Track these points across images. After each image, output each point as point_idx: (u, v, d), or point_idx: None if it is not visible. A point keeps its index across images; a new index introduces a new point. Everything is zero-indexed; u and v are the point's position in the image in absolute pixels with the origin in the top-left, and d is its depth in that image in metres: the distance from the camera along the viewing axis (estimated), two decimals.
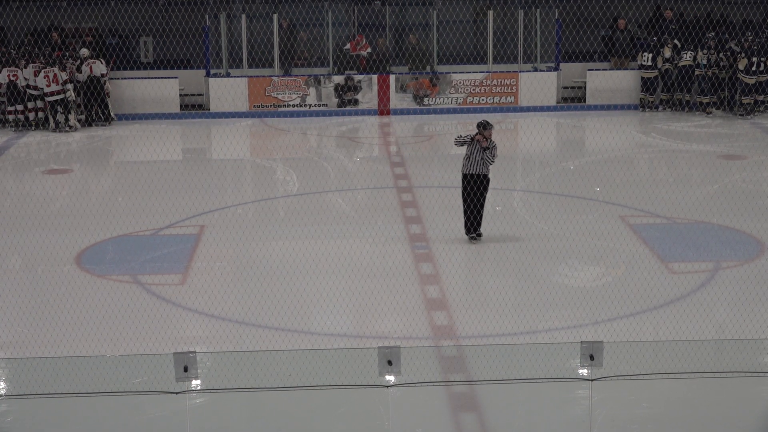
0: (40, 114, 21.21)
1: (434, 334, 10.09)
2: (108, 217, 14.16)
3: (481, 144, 12.41)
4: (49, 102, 20.82)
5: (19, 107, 21.15)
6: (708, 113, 22.03)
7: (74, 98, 21.10)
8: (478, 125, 12.54)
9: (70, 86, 20.86)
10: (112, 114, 21.89)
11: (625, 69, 23.36)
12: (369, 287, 11.36)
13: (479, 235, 12.75)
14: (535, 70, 23.63)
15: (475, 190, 12.52)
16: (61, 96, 20.79)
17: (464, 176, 12.62)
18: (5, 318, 10.52)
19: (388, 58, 23.51)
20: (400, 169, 17.45)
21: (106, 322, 10.41)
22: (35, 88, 20.90)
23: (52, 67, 20.77)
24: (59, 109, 20.93)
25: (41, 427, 7.78)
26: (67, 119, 21.05)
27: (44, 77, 20.59)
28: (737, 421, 7.93)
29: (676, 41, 22.35)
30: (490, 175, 12.66)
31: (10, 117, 21.25)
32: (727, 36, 22.34)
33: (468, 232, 12.76)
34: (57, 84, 20.65)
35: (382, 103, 22.86)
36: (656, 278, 11.47)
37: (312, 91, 22.79)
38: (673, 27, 22.82)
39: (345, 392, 7.61)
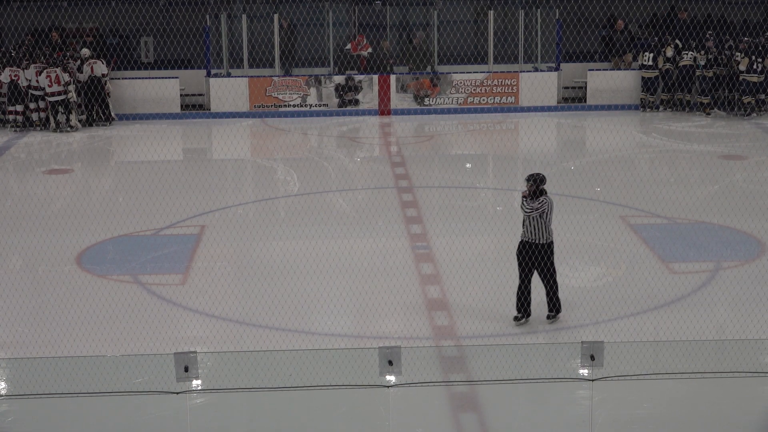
0: (41, 114, 21.22)
1: (435, 334, 10.09)
2: (108, 217, 14.16)
3: (523, 195, 10.13)
4: (50, 102, 20.81)
5: (20, 107, 21.15)
6: (707, 114, 22.01)
7: (75, 99, 21.10)
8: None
9: (72, 87, 20.86)
10: (112, 114, 21.88)
11: (627, 69, 23.33)
12: (369, 287, 11.35)
13: (549, 317, 10.14)
14: (536, 70, 23.62)
15: (530, 260, 10.02)
16: (63, 96, 20.78)
17: (519, 243, 10.16)
18: (5, 318, 10.52)
19: (394, 60, 23.49)
20: (400, 169, 17.44)
21: (107, 322, 10.41)
22: (37, 88, 20.90)
23: (54, 67, 20.77)
24: (60, 109, 20.93)
25: (41, 427, 7.78)
26: (68, 119, 21.05)
27: (46, 77, 20.59)
28: (737, 421, 7.93)
29: (677, 41, 22.33)
30: (553, 237, 10.19)
31: (11, 117, 21.25)
32: (726, 36, 22.32)
33: (517, 310, 10.12)
34: (59, 84, 20.65)
35: (382, 103, 22.85)
36: (656, 278, 11.46)
37: (312, 91, 22.78)
38: (680, 27, 22.77)
39: (345, 392, 7.61)
